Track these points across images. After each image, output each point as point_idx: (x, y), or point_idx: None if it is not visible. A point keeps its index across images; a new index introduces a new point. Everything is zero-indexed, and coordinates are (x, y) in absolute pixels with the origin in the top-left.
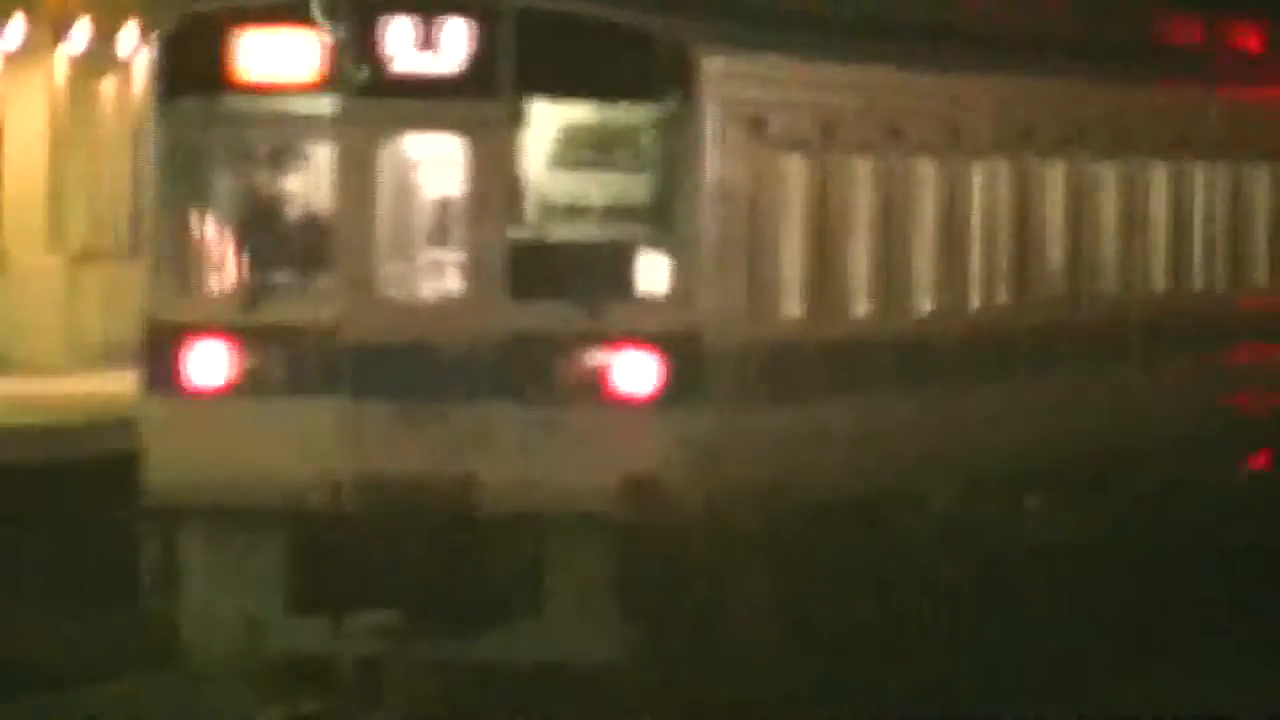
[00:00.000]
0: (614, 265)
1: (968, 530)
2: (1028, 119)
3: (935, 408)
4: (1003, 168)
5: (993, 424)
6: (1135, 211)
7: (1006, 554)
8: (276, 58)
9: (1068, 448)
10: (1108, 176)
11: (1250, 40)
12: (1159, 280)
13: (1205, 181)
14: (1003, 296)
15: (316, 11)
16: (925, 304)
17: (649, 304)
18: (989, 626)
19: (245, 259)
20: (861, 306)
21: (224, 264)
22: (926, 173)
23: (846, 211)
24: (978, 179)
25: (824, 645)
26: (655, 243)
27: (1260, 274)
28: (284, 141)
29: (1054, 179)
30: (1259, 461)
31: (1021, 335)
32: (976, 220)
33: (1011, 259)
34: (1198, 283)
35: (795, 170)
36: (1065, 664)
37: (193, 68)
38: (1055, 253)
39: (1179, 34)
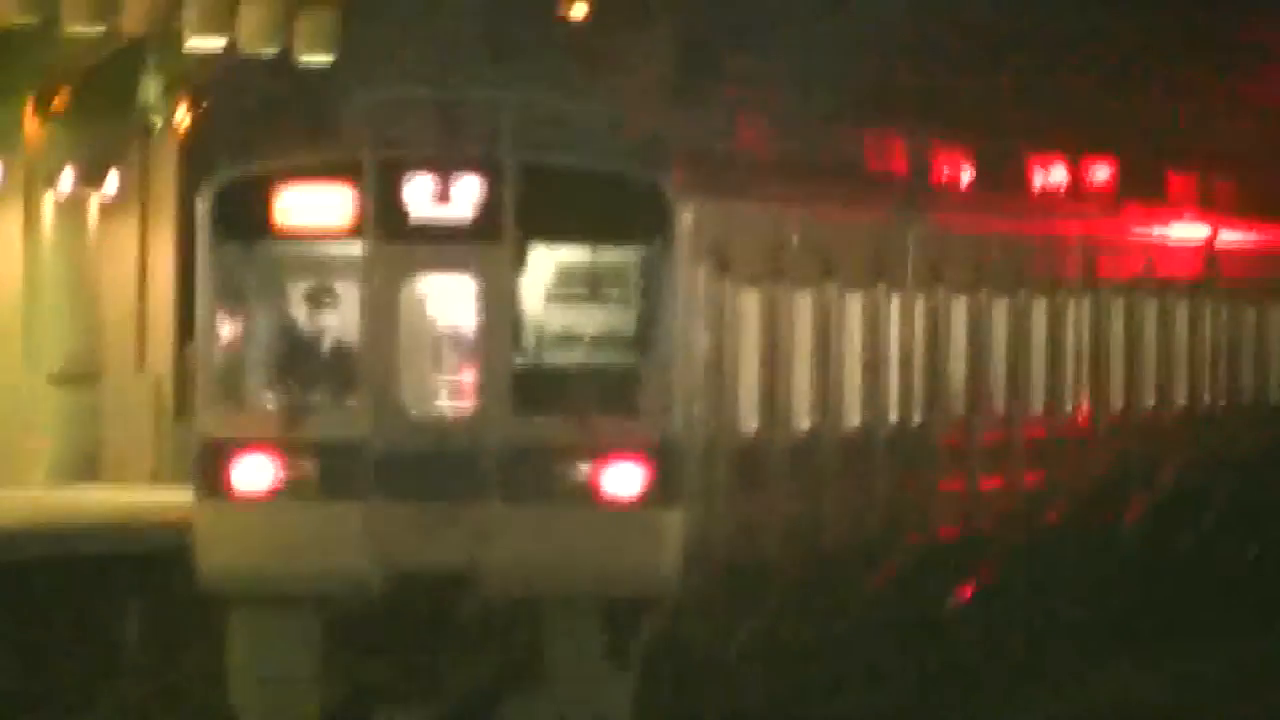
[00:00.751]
0: (603, 385)
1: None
2: (937, 258)
3: (862, 495)
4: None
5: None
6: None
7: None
8: (311, 209)
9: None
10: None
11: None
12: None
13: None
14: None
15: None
16: (854, 416)
17: (633, 419)
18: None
19: (284, 382)
20: (804, 417)
21: (266, 387)
22: (853, 302)
23: (790, 336)
24: (895, 309)
25: (794, 684)
26: (637, 366)
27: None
28: (318, 281)
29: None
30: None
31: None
32: (892, 345)
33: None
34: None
35: (750, 302)
36: None
37: (239, 217)
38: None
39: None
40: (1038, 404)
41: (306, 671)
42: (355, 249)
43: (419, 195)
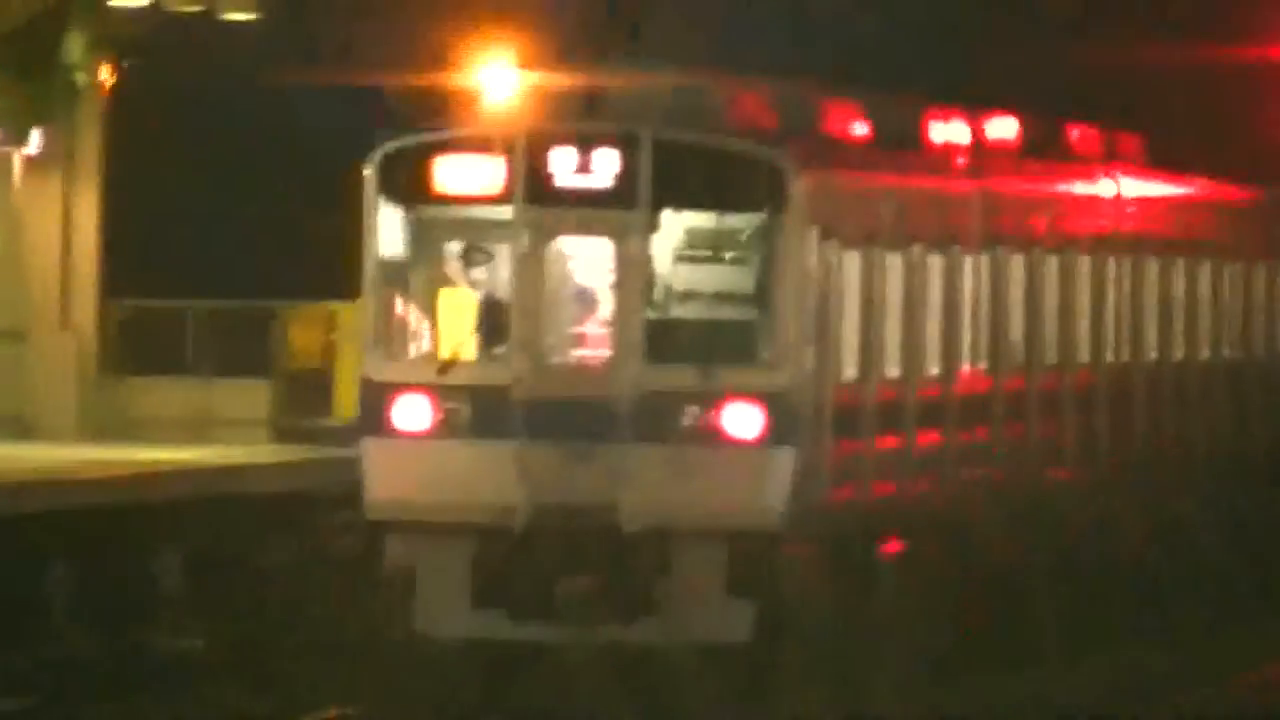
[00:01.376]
0: (725, 338)
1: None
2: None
3: (947, 443)
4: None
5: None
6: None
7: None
8: (464, 177)
9: None
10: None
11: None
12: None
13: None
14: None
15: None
16: (934, 368)
17: (751, 368)
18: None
19: (441, 332)
20: (894, 369)
21: (423, 337)
22: (934, 265)
23: (884, 295)
24: (968, 270)
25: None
26: (755, 321)
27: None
28: (472, 241)
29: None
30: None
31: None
32: (965, 302)
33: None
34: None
35: (851, 265)
36: None
37: (399, 185)
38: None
39: None
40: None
41: (458, 599)
42: (504, 213)
43: (562, 165)
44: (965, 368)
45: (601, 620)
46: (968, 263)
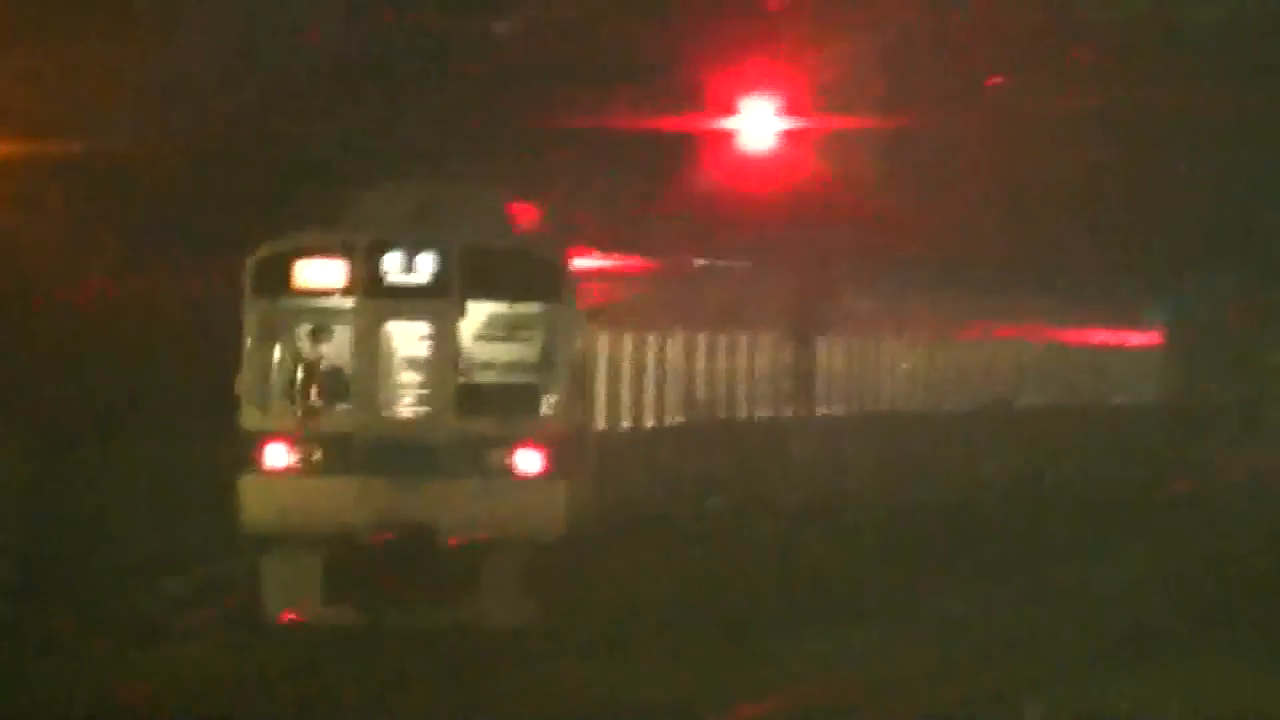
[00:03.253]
0: (518, 398)
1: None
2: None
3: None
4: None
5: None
6: None
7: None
8: (318, 274)
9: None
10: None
11: None
12: None
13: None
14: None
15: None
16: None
17: (537, 420)
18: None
19: (299, 392)
20: (646, 416)
21: (288, 395)
22: (668, 340)
23: (633, 365)
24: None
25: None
26: (541, 384)
27: None
28: (323, 323)
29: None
30: None
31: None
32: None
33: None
34: None
35: (607, 339)
36: None
37: (269, 279)
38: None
39: None
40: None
41: (313, 597)
42: (348, 302)
43: (393, 265)
44: (668, 417)
45: (424, 609)
46: (680, 338)
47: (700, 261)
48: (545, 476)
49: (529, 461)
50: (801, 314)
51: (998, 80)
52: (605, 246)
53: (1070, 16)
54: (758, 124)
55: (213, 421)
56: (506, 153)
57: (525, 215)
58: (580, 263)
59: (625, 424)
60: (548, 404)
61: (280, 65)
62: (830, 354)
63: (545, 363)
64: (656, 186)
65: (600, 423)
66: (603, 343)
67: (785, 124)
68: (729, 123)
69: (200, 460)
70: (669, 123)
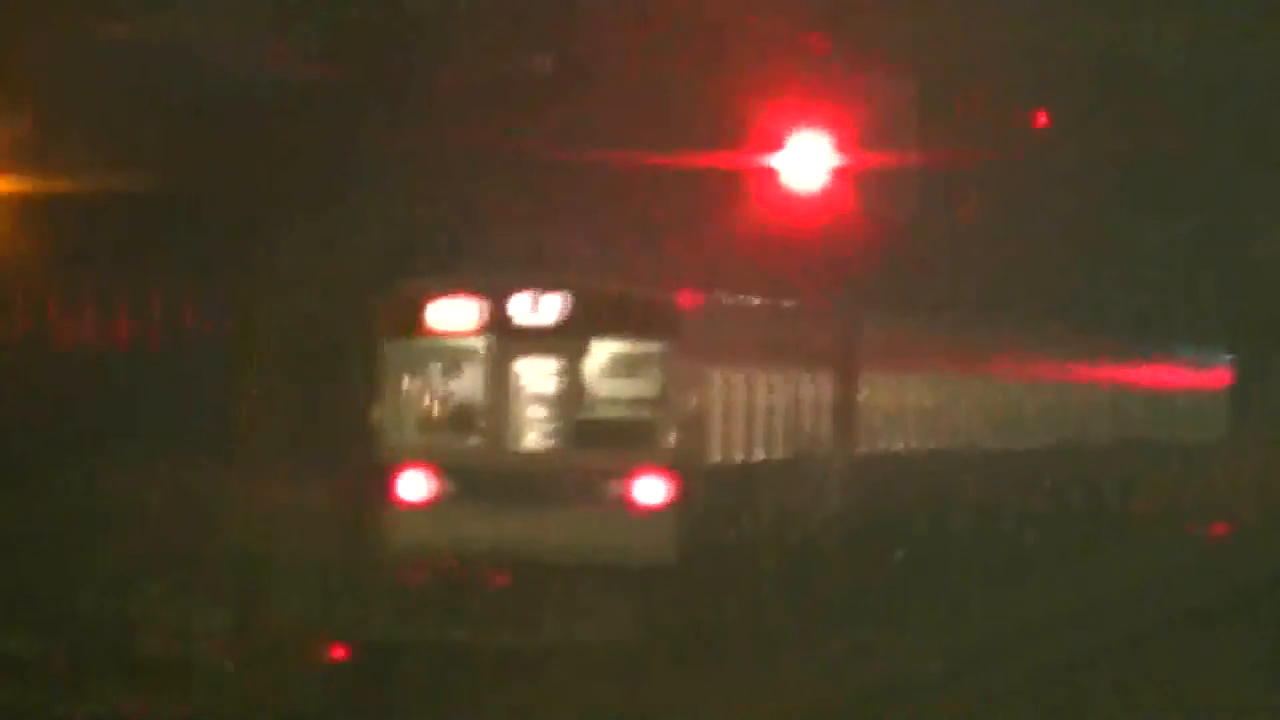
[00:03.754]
0: (634, 431)
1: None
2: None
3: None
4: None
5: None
6: None
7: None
8: (451, 316)
9: None
10: None
11: None
12: None
13: None
14: None
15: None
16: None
17: (654, 452)
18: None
19: (433, 426)
20: (745, 452)
21: (422, 429)
22: (775, 380)
23: (737, 400)
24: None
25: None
26: (656, 419)
27: None
28: (455, 362)
29: None
30: None
31: None
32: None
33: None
34: None
35: (716, 377)
36: None
37: (402, 320)
38: None
39: None
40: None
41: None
42: (481, 342)
43: (520, 308)
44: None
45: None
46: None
47: (789, 301)
48: (662, 509)
49: (646, 492)
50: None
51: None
52: (702, 286)
53: (1119, 54)
54: (806, 161)
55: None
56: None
57: (632, 256)
58: (687, 302)
59: (735, 457)
60: (661, 438)
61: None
62: (899, 389)
63: (659, 399)
64: (729, 224)
65: (709, 455)
66: (713, 379)
67: (835, 160)
68: (777, 159)
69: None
70: (719, 159)
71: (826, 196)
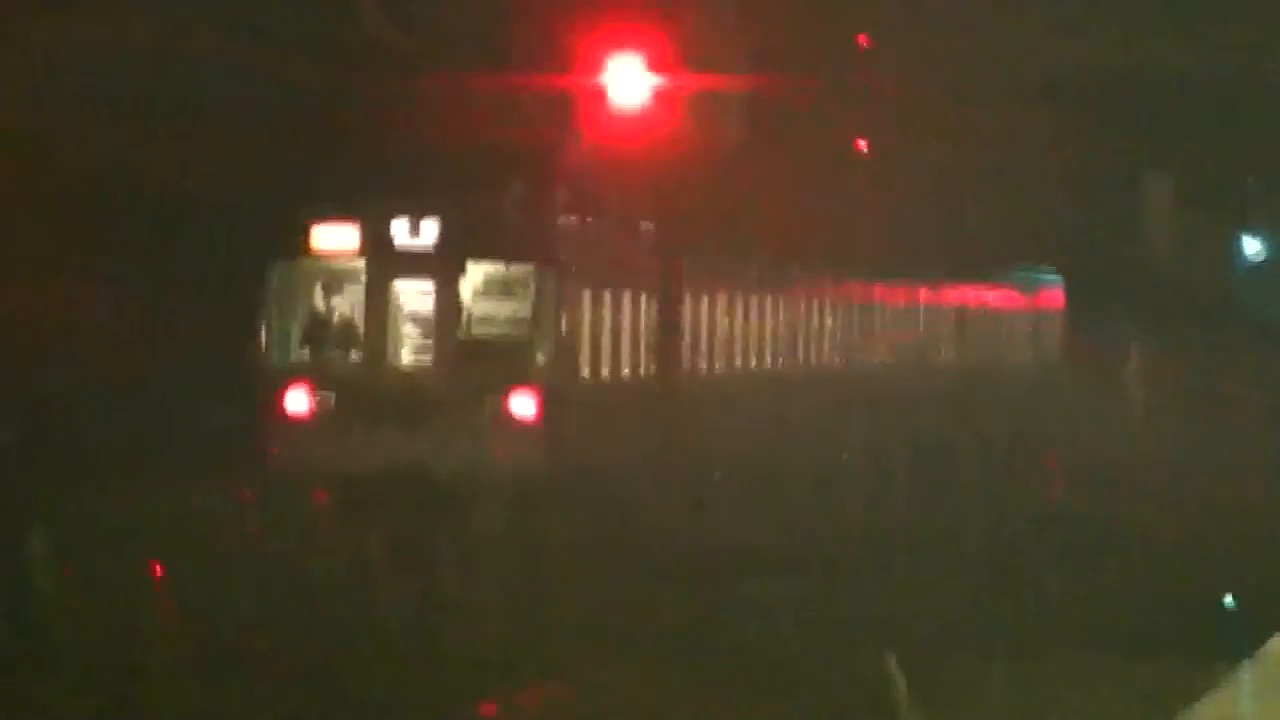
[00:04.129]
0: (509, 351)
1: None
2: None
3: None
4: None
5: None
6: None
7: None
8: (334, 239)
9: None
10: None
11: None
12: None
13: None
14: None
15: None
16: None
17: (527, 370)
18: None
19: (319, 343)
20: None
21: (308, 346)
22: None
23: (602, 320)
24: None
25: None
26: (527, 338)
27: None
28: (337, 282)
29: None
30: None
31: None
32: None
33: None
34: None
35: (583, 297)
36: None
37: (291, 244)
38: None
39: None
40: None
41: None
42: (362, 263)
43: (401, 230)
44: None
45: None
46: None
47: (646, 223)
48: (533, 422)
49: (521, 407)
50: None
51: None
52: (573, 210)
53: None
54: (627, 81)
55: None
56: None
57: (506, 185)
58: (560, 225)
59: (600, 374)
60: (534, 358)
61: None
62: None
63: (534, 320)
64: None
65: (577, 372)
66: (581, 300)
67: (655, 81)
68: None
69: None
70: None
71: (649, 117)
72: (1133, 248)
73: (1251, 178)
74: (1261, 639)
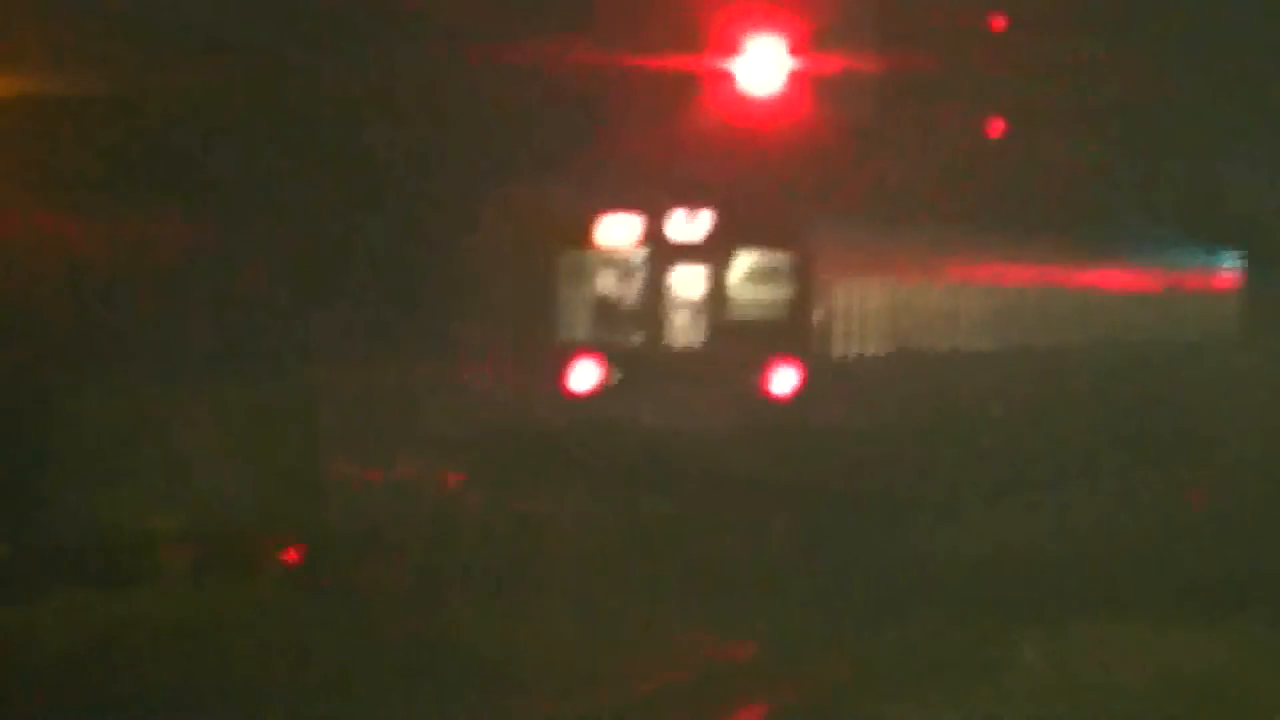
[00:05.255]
0: (775, 329)
1: None
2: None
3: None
4: None
5: None
6: None
7: None
8: (617, 232)
9: None
10: None
11: None
12: None
13: None
14: None
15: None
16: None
17: (786, 343)
18: None
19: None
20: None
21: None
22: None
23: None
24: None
25: None
26: (788, 316)
27: None
28: (628, 271)
29: None
30: None
31: None
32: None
33: None
34: None
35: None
36: None
37: (575, 237)
38: None
39: None
40: None
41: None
42: (643, 253)
43: (675, 227)
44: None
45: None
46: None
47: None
48: (796, 395)
49: (783, 381)
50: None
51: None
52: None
53: None
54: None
55: None
56: None
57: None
58: (811, 217)
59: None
60: (794, 333)
61: None
62: None
63: (794, 301)
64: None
65: (841, 349)
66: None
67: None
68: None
69: None
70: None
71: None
72: None
73: None
74: None
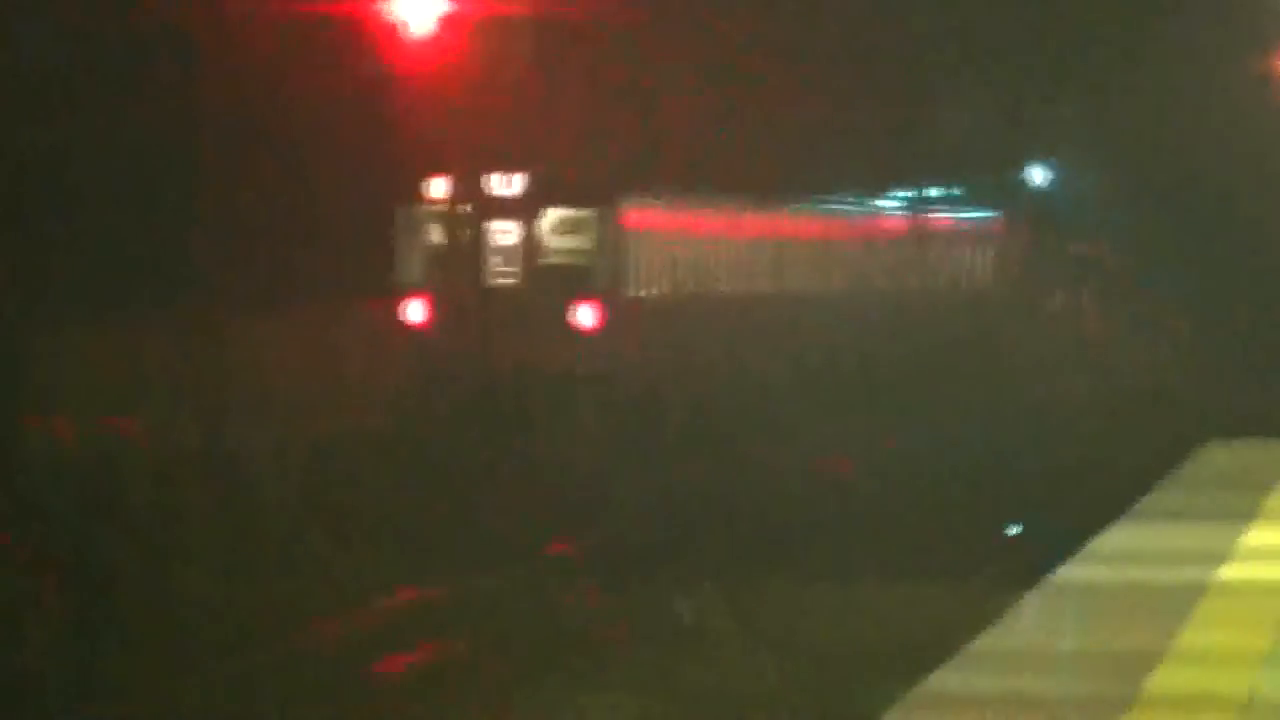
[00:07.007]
0: (578, 273)
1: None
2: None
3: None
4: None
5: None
6: None
7: None
8: (441, 189)
9: None
10: None
11: None
12: None
13: None
14: None
15: None
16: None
17: (593, 287)
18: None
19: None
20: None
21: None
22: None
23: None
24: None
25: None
26: (594, 265)
27: None
28: (449, 223)
29: None
30: None
31: None
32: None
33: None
34: None
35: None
36: None
37: (414, 194)
38: None
39: None
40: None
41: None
42: (460, 208)
43: (496, 184)
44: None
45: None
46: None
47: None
48: (600, 329)
49: (588, 315)
50: None
51: None
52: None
53: None
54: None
55: None
56: None
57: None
58: (611, 178)
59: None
60: (599, 279)
61: None
62: None
63: (597, 250)
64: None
65: (632, 291)
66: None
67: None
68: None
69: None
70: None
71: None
72: None
73: None
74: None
